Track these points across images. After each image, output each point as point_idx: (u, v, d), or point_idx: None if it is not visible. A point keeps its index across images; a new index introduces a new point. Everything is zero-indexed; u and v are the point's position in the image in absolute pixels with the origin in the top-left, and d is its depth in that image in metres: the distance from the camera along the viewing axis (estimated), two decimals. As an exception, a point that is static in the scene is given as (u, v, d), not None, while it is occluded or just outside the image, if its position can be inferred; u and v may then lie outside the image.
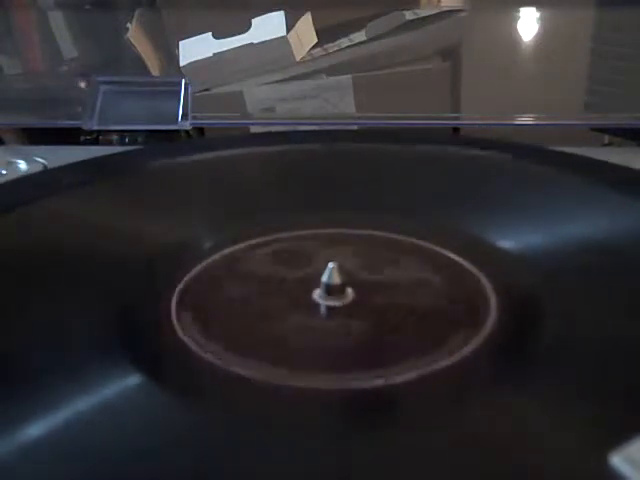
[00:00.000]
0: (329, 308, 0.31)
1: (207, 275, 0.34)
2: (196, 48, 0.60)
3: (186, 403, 0.26)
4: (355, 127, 0.55)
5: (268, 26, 0.60)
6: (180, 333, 0.29)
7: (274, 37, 0.59)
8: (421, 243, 0.36)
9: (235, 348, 0.28)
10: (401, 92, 0.59)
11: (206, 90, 0.60)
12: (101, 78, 0.54)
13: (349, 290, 0.31)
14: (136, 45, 0.62)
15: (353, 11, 0.62)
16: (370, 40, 0.61)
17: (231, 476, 0.22)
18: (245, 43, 0.59)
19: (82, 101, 0.53)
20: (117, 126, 0.53)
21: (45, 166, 0.44)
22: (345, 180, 0.41)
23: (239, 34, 0.60)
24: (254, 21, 0.60)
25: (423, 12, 0.62)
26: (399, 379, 0.26)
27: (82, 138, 0.56)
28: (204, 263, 0.34)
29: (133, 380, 0.26)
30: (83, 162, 0.43)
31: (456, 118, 0.58)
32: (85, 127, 0.52)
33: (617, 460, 0.21)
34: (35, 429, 0.24)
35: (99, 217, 0.38)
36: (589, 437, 0.23)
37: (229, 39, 0.60)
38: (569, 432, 0.23)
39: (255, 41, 0.59)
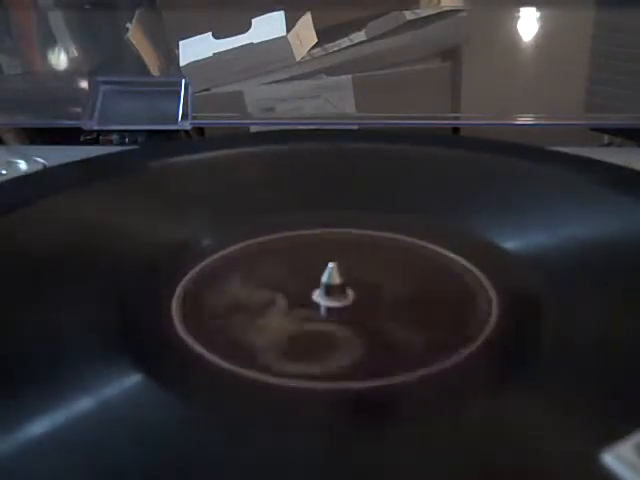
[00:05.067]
0: (329, 308, 0.31)
1: (207, 275, 0.34)
2: (196, 48, 0.60)
3: (186, 403, 0.25)
4: (355, 127, 0.55)
5: (268, 26, 0.60)
6: (180, 332, 0.29)
7: (274, 37, 0.59)
8: (421, 243, 0.36)
9: (235, 348, 0.28)
10: (401, 92, 0.59)
11: (206, 90, 0.60)
12: (101, 78, 0.54)
13: (349, 290, 0.31)
14: (136, 45, 0.62)
15: (353, 11, 0.62)
16: (370, 40, 0.61)
17: (231, 476, 0.22)
18: (245, 43, 0.59)
19: (82, 101, 0.53)
20: (117, 126, 0.53)
21: (45, 166, 0.44)
22: (345, 180, 0.41)
23: (239, 34, 0.60)
24: (254, 21, 0.60)
25: (423, 12, 0.62)
26: (399, 379, 0.26)
27: (82, 138, 0.56)
28: (204, 263, 0.34)
29: (133, 380, 0.26)
30: (83, 162, 0.43)
31: (456, 118, 0.58)
32: (85, 127, 0.52)
33: (609, 458, 0.21)
34: (35, 429, 0.24)
35: (99, 217, 0.38)
36: (589, 437, 0.23)
37: (229, 39, 0.60)
38: (569, 432, 0.23)
39: (255, 41, 0.59)
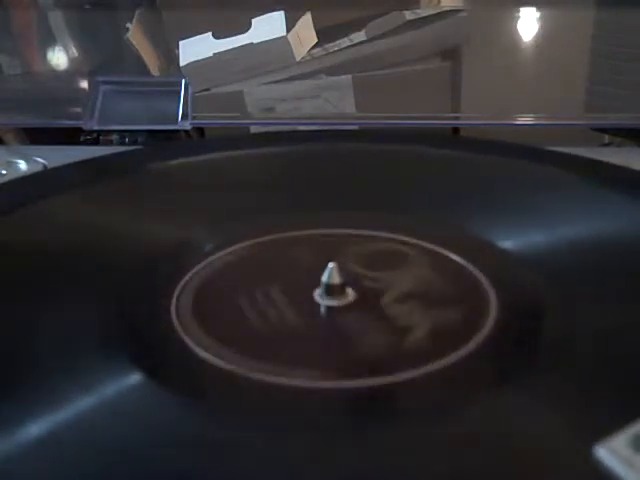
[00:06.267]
0: (329, 308, 0.31)
1: (207, 275, 0.34)
2: (196, 48, 0.60)
3: (186, 403, 0.26)
4: (355, 127, 0.55)
5: (268, 26, 0.60)
6: (180, 332, 0.29)
7: (274, 37, 0.59)
8: (421, 243, 0.36)
9: (235, 348, 0.28)
10: (401, 92, 0.59)
11: (206, 90, 0.60)
12: (101, 78, 0.54)
13: (349, 290, 0.31)
14: (136, 45, 0.62)
15: (353, 11, 0.62)
16: (370, 40, 0.61)
17: (231, 476, 0.22)
18: (245, 43, 0.59)
19: (82, 101, 0.53)
20: (117, 126, 0.53)
21: (45, 166, 0.44)
22: (346, 180, 0.41)
23: (239, 34, 0.60)
24: (254, 21, 0.60)
25: (423, 12, 0.62)
26: (399, 379, 0.26)
27: (82, 138, 0.56)
28: (204, 263, 0.34)
29: (133, 379, 0.26)
30: (83, 162, 0.43)
31: (456, 118, 0.58)
32: (85, 127, 0.52)
33: (602, 452, 0.21)
34: (35, 429, 0.24)
35: (99, 217, 0.38)
36: (588, 435, 0.23)
37: (229, 39, 0.60)
38: (568, 431, 0.23)
39: (255, 41, 0.59)
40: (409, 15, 0.61)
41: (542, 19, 0.62)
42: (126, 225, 0.37)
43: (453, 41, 0.62)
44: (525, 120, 0.51)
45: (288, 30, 0.59)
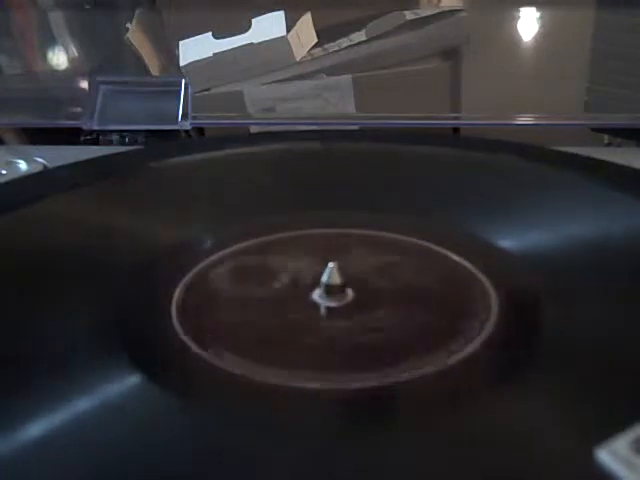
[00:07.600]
0: (329, 308, 0.31)
1: (207, 275, 0.34)
2: (196, 48, 0.60)
3: (186, 403, 0.26)
4: (355, 127, 0.55)
5: (268, 26, 0.60)
6: (180, 333, 0.29)
7: (274, 37, 0.59)
8: (421, 243, 0.36)
9: (235, 348, 0.28)
10: (401, 92, 0.59)
11: (206, 90, 0.60)
12: (101, 78, 0.54)
13: (349, 290, 0.31)
14: (136, 45, 0.62)
15: (353, 11, 0.62)
16: (370, 40, 0.61)
17: (231, 476, 0.22)
18: (245, 43, 0.59)
19: (82, 101, 0.53)
20: (117, 126, 0.53)
21: (45, 166, 0.44)
22: (345, 180, 0.41)
23: (239, 34, 0.60)
24: (254, 21, 0.60)
25: (423, 12, 0.62)
26: (399, 379, 0.26)
27: (82, 138, 0.56)
28: (204, 263, 0.34)
29: (133, 380, 0.26)
30: (83, 162, 0.43)
31: (456, 118, 0.58)
32: (85, 127, 0.52)
33: (603, 455, 0.21)
34: (35, 429, 0.24)
35: (99, 217, 0.38)
36: (588, 435, 0.23)
37: (229, 39, 0.60)
38: (569, 431, 0.23)
39: (255, 41, 0.59)
40: (409, 15, 0.61)
41: (542, 19, 0.62)
42: (126, 225, 0.37)
43: (453, 41, 0.62)
44: (525, 120, 0.51)
45: (288, 30, 0.59)
